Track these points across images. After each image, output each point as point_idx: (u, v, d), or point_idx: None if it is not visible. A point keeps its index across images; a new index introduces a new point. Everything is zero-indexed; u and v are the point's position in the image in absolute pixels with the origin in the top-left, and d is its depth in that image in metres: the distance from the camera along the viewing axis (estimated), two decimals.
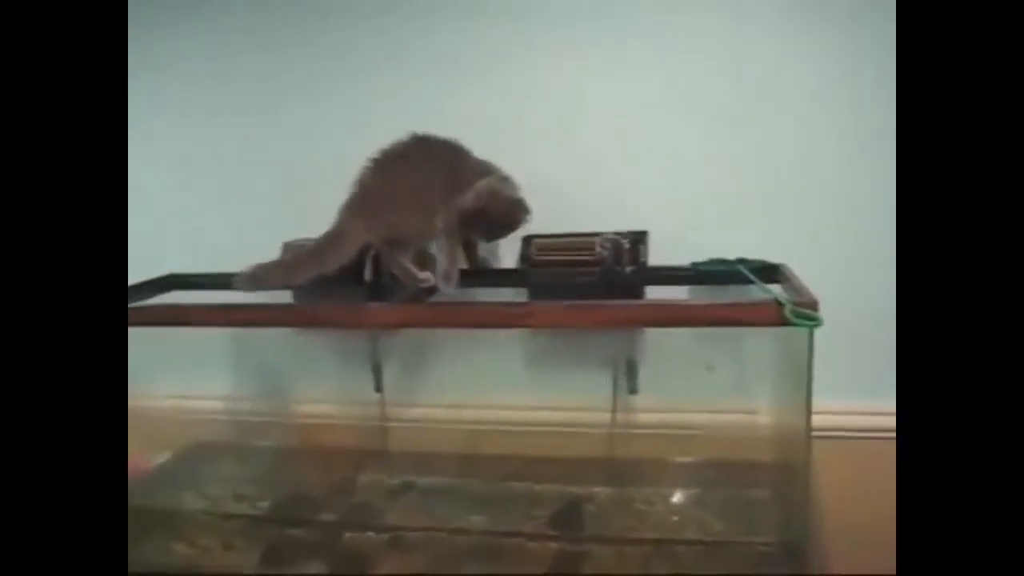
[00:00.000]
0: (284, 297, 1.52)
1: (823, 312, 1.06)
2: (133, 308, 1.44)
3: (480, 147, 1.52)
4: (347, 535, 1.46)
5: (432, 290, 1.30)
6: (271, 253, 1.52)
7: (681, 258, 1.45)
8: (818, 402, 1.13)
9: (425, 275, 1.32)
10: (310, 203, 1.59)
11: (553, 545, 1.37)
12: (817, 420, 1.14)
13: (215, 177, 1.73)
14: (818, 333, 1.08)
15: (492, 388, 1.55)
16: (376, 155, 1.35)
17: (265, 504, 1.58)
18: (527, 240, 1.47)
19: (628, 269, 1.41)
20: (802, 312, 1.06)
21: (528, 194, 1.51)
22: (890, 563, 0.80)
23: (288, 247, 1.54)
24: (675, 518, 1.46)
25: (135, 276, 1.54)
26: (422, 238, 1.33)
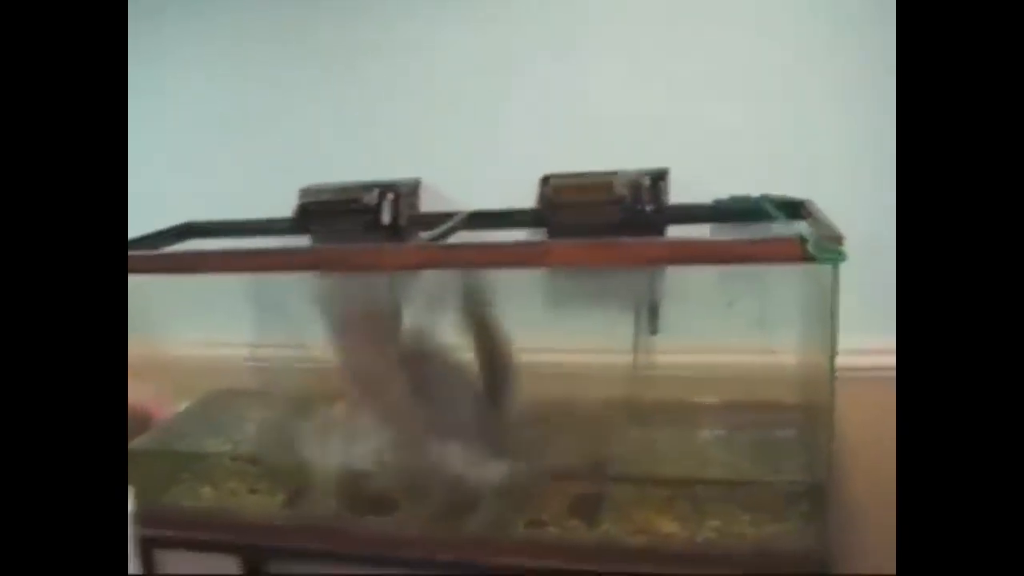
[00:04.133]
0: (303, 242, 1.52)
1: (850, 249, 1.03)
2: (153, 256, 1.45)
3: (494, 88, 1.50)
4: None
5: None
6: (287, 199, 1.52)
7: (702, 197, 1.42)
8: (844, 341, 1.11)
9: None
10: (326, 149, 1.59)
11: (574, 487, 1.37)
12: (844, 359, 1.12)
13: (231, 124, 1.72)
14: (845, 269, 1.05)
15: (511, 330, 1.53)
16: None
17: None
18: (545, 180, 1.44)
19: (648, 208, 1.38)
20: (825, 246, 1.03)
21: (547, 132, 1.49)
22: None
23: (306, 192, 1.52)
24: (698, 458, 1.45)
25: (152, 225, 1.55)
26: None
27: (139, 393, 1.44)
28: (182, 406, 1.68)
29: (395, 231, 1.40)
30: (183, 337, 1.70)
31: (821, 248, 1.02)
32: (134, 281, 1.32)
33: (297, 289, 1.66)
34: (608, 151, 1.45)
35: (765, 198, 1.35)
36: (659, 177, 1.39)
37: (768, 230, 1.30)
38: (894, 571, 0.74)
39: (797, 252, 1.04)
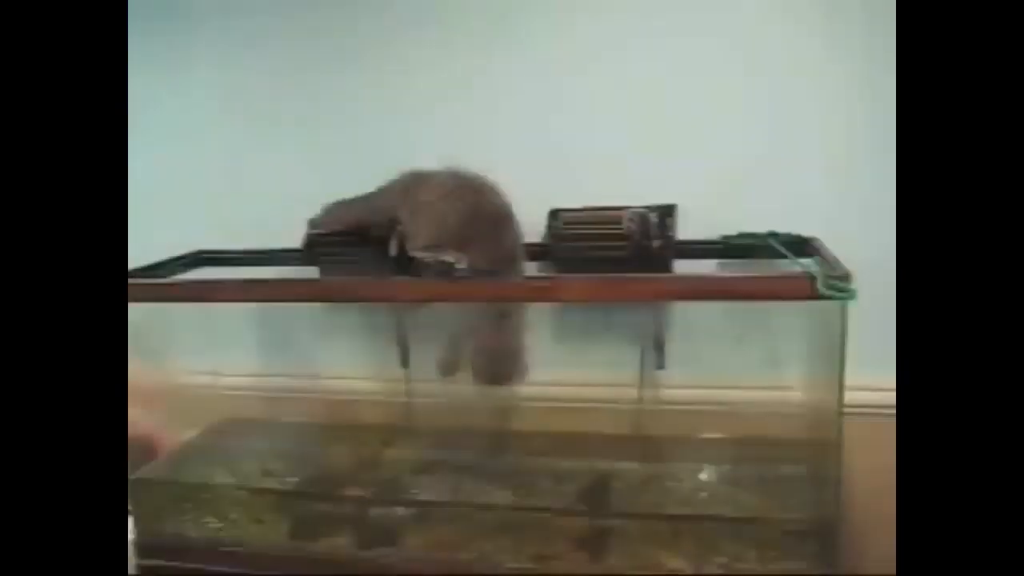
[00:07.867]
0: (312, 273, 1.53)
1: (859, 285, 1.04)
2: (163, 284, 1.46)
3: (508, 121, 1.52)
4: (374, 510, 1.47)
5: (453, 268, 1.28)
6: (296, 231, 1.52)
7: (710, 232, 1.43)
8: (853, 378, 1.11)
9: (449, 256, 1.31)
10: (333, 181, 1.59)
11: (580, 521, 1.37)
12: (851, 396, 1.13)
13: (236, 158, 1.73)
14: (853, 307, 1.06)
15: None
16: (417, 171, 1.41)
17: (293, 479, 1.60)
18: (554, 213, 1.45)
19: (656, 243, 1.39)
20: (835, 285, 1.03)
21: (554, 167, 1.50)
22: None
23: (312, 222, 1.53)
24: (704, 495, 1.45)
25: (164, 253, 1.56)
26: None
27: (145, 422, 1.44)
28: (187, 435, 1.68)
29: (403, 264, 1.41)
30: (189, 366, 1.70)
31: (831, 286, 1.03)
32: (142, 309, 1.33)
33: (304, 319, 1.68)
34: (616, 186, 1.46)
35: (772, 234, 1.36)
36: (667, 212, 1.40)
37: (776, 267, 1.30)
38: None
39: (806, 290, 1.05)
